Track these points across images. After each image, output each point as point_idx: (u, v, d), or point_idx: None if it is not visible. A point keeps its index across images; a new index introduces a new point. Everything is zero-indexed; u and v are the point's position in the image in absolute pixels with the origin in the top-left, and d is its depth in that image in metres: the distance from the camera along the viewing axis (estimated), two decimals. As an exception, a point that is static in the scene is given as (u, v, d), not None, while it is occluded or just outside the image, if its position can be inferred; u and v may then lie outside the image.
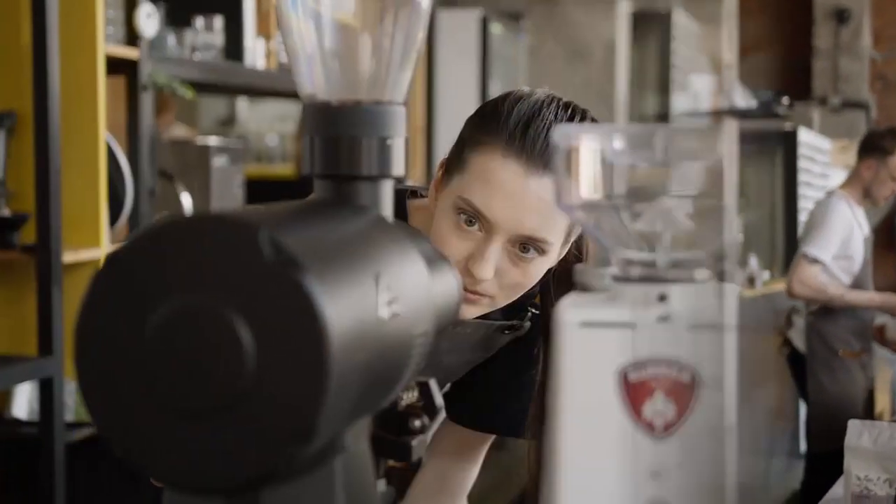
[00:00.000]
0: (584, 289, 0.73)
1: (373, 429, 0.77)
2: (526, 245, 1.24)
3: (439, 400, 0.81)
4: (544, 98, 1.28)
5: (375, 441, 0.77)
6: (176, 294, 0.60)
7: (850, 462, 1.88)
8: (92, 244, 2.67)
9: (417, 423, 0.80)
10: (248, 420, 0.59)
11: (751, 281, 6.29)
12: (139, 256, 0.61)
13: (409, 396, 0.82)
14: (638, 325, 0.65)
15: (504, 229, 1.23)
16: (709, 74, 6.42)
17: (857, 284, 4.42)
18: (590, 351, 0.66)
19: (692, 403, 0.65)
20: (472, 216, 1.24)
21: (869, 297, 4.48)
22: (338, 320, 0.60)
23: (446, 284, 0.82)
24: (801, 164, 7.20)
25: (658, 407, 0.66)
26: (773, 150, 7.14)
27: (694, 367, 0.65)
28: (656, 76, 7.29)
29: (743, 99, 6.30)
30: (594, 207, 0.69)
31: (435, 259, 0.82)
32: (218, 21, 3.31)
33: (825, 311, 4.46)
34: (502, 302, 1.29)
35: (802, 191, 7.19)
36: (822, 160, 7.72)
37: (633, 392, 0.65)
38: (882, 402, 5.20)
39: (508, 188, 1.23)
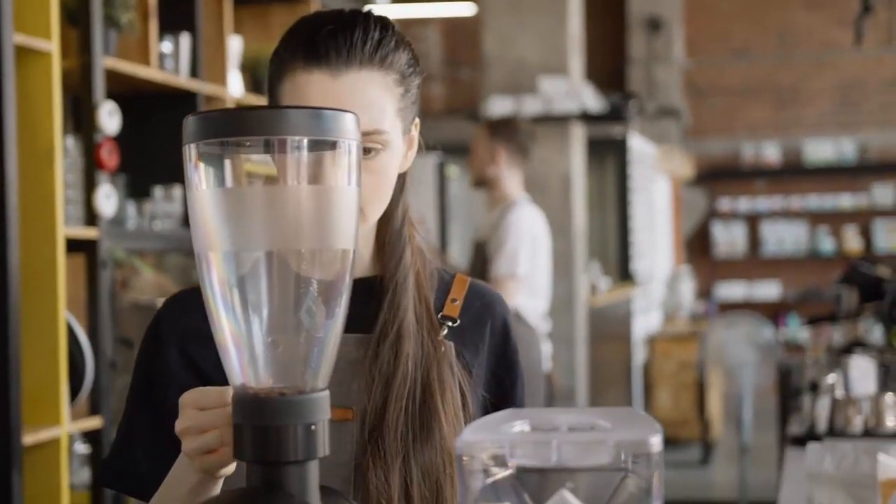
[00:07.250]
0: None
1: None
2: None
3: None
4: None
5: None
6: None
7: (812, 489, 1.71)
8: (52, 423, 2.69)
9: None
10: None
11: (593, 289, 6.33)
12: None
13: None
14: None
15: None
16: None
17: None
18: None
19: None
20: None
21: None
22: None
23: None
24: (630, 170, 7.44)
25: None
26: (603, 156, 7.34)
27: None
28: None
29: (593, 101, 6.28)
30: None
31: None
32: (177, 190, 3.40)
33: None
34: (372, 214, 1.24)
35: (630, 196, 7.46)
36: (650, 165, 7.98)
37: None
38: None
39: (315, 96, 1.19)
